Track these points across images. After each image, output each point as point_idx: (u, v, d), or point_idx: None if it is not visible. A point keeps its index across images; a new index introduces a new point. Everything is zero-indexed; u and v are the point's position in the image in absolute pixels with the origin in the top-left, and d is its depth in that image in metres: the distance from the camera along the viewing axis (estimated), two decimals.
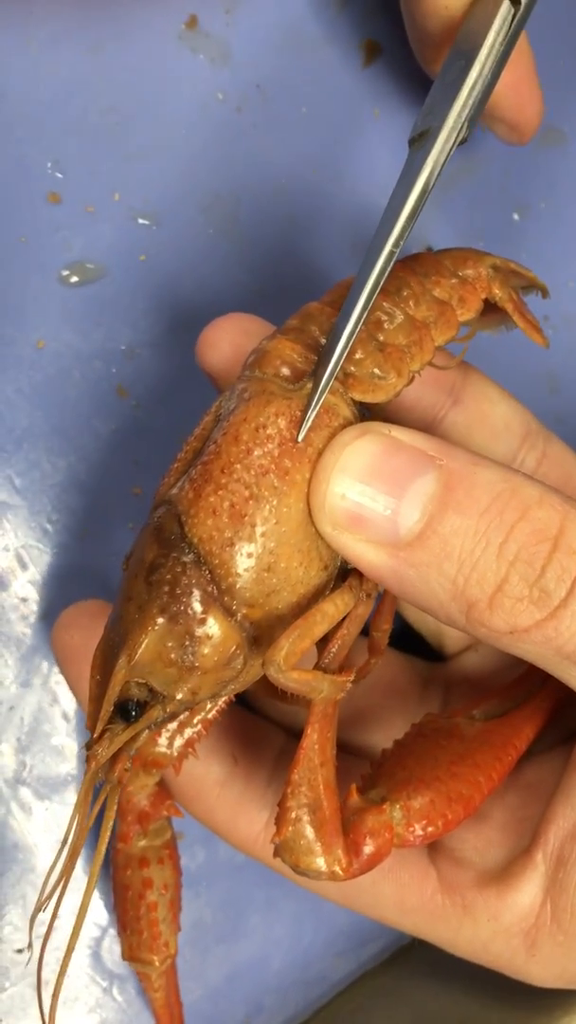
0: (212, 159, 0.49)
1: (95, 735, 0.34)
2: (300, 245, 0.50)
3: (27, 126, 0.48)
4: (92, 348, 0.47)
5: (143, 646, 0.33)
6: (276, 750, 0.43)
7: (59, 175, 0.48)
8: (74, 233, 0.48)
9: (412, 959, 0.52)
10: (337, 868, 0.33)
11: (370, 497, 0.32)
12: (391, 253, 0.34)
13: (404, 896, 0.39)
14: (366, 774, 0.37)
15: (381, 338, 0.36)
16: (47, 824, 0.46)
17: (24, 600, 0.46)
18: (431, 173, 0.35)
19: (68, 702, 0.46)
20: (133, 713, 0.34)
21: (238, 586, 0.33)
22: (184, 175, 0.49)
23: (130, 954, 0.43)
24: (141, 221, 0.49)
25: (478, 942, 0.39)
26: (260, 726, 0.44)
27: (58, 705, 0.46)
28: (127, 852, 0.42)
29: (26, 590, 0.46)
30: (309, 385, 0.34)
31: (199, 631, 0.33)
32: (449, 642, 0.46)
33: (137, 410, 0.48)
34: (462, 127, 0.36)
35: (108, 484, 0.47)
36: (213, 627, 0.33)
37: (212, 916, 0.48)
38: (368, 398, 0.35)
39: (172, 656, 0.33)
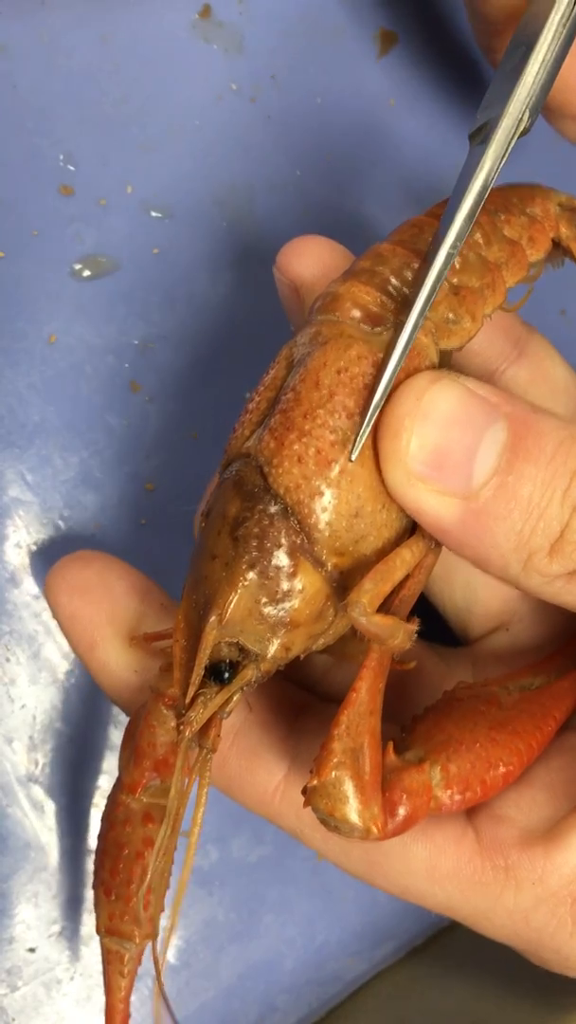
0: (226, 150, 0.49)
1: (188, 700, 0.33)
2: None
3: (39, 118, 0.47)
4: (105, 342, 0.47)
5: (234, 603, 0.32)
6: (295, 704, 0.41)
7: (71, 167, 0.47)
8: (86, 226, 0.47)
9: (426, 959, 0.51)
10: (373, 826, 0.31)
11: (449, 447, 0.31)
12: (450, 255, 0.33)
13: (438, 860, 0.36)
14: (399, 736, 0.35)
15: (455, 281, 0.35)
16: (59, 823, 0.45)
17: (36, 597, 0.45)
18: (491, 167, 0.34)
19: (81, 700, 0.46)
20: (226, 675, 0.33)
21: (328, 534, 0.32)
22: (198, 167, 0.49)
23: (109, 926, 0.38)
24: (154, 214, 0.48)
25: (519, 912, 0.36)
26: (276, 680, 0.41)
27: (70, 703, 0.46)
28: (129, 807, 0.38)
29: (38, 587, 0.45)
30: (387, 334, 0.33)
31: (290, 585, 0.32)
32: (476, 621, 0.45)
33: (150, 405, 0.47)
34: (522, 117, 0.35)
35: (121, 480, 0.47)
36: (304, 579, 0.32)
37: (225, 915, 0.47)
38: (443, 344, 0.35)
39: (264, 612, 0.32)
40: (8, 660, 0.45)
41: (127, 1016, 0.39)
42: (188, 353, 0.48)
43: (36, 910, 0.45)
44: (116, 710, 0.46)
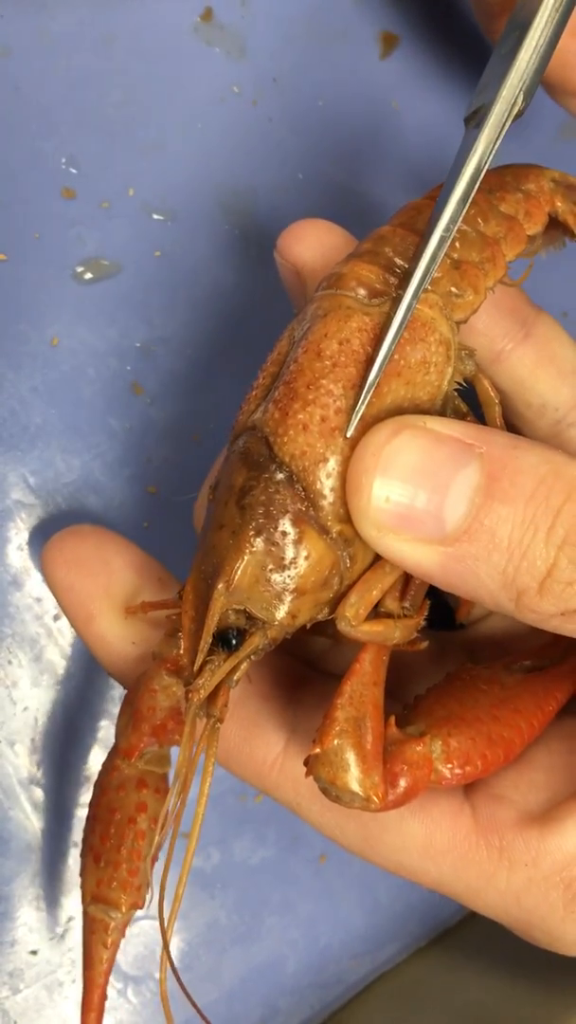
0: (228, 153, 0.49)
1: (196, 668, 0.33)
2: None
3: (41, 120, 0.47)
4: (107, 345, 0.47)
5: (240, 570, 0.32)
6: (295, 677, 0.41)
7: (73, 170, 0.47)
8: (89, 229, 0.47)
9: (429, 961, 0.51)
10: (374, 795, 0.32)
11: (415, 496, 0.31)
12: (442, 239, 0.34)
13: (433, 835, 0.37)
14: (400, 712, 0.36)
15: (455, 256, 0.36)
16: (61, 825, 0.45)
17: (38, 600, 0.45)
18: (485, 150, 0.34)
19: (83, 702, 0.46)
20: (234, 641, 0.33)
21: (332, 500, 0.33)
22: (200, 169, 0.49)
23: (96, 892, 0.37)
24: (156, 216, 0.48)
25: (511, 893, 0.36)
26: (276, 653, 0.40)
27: (72, 705, 0.46)
28: (124, 772, 0.38)
29: (40, 590, 0.45)
30: (387, 306, 0.34)
31: (296, 551, 0.32)
32: (472, 604, 0.45)
33: (152, 407, 0.47)
34: (516, 100, 0.35)
35: (123, 483, 0.47)
36: (309, 546, 0.33)
37: (227, 918, 0.47)
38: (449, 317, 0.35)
39: (271, 578, 0.33)
40: (10, 663, 0.45)
41: (104, 992, 0.38)
42: (190, 355, 0.48)
43: (38, 913, 0.45)
44: (118, 711, 0.46)
